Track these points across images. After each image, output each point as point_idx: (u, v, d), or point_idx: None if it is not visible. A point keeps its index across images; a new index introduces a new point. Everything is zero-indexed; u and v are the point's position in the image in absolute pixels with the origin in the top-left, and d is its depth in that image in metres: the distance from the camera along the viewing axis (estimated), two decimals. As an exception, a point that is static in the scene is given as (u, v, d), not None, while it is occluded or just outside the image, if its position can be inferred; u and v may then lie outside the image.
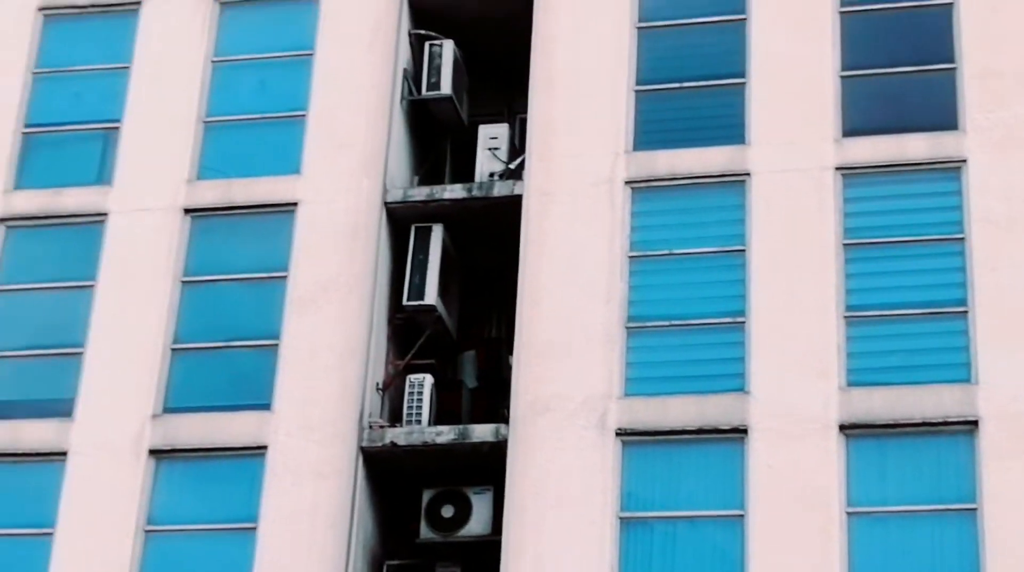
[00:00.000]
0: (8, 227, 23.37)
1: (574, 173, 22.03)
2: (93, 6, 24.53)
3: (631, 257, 21.53)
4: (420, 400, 21.69)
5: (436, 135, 24.17)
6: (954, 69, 21.78)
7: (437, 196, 22.71)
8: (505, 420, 21.13)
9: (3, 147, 23.74)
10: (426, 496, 21.44)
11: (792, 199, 21.32)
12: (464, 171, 23.64)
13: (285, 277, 22.34)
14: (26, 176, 23.67)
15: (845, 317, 20.72)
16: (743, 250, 21.30)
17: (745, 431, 20.37)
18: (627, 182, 21.90)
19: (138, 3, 24.33)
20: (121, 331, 22.29)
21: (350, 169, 22.77)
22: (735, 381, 20.68)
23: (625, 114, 22.26)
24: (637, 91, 22.45)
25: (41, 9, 24.59)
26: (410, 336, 22.63)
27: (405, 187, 23.06)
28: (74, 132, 23.91)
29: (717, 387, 20.67)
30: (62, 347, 22.52)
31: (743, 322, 20.91)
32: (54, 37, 24.50)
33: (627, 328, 21.16)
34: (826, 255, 20.98)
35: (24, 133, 23.93)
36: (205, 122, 23.57)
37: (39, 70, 24.33)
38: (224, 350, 22.22)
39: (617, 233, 21.59)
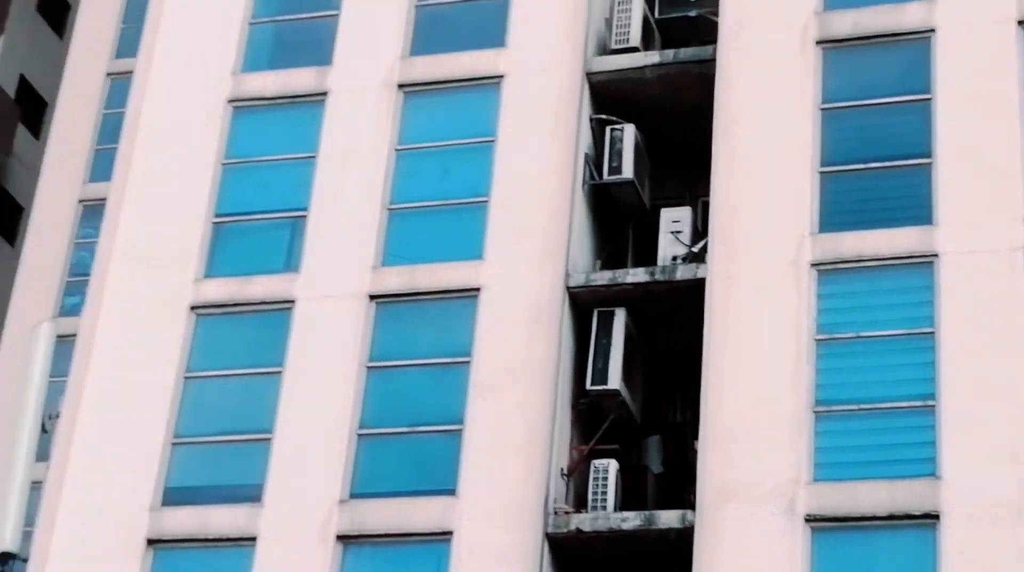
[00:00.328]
0: (199, 315, 23.78)
1: (758, 256, 21.87)
2: (281, 98, 24.99)
3: (818, 340, 21.27)
4: (605, 486, 21.57)
5: (618, 219, 24.18)
6: None
7: (620, 280, 22.68)
8: (691, 506, 20.92)
9: (194, 236, 24.20)
10: (612, 582, 21.32)
11: (982, 280, 20.94)
12: (646, 255, 23.60)
13: (468, 362, 22.42)
14: (216, 265, 24.09)
15: (1039, 400, 20.27)
16: (932, 332, 20.94)
17: (937, 517, 19.96)
18: (813, 264, 21.68)
19: (324, 94, 24.73)
20: (308, 417, 22.51)
21: (532, 254, 22.84)
22: (926, 466, 20.28)
23: (810, 196, 22.07)
24: (821, 173, 22.25)
25: (231, 101, 25.10)
26: (594, 421, 22.56)
27: (587, 271, 23.07)
28: (262, 221, 24.32)
29: (908, 472, 20.29)
30: (251, 433, 22.80)
31: (933, 405, 20.52)
32: (243, 128, 24.98)
33: (815, 412, 20.88)
34: (1017, 337, 20.54)
35: (214, 222, 24.38)
36: (389, 209, 23.82)
37: (229, 161, 24.81)
38: (409, 435, 22.33)
39: (803, 316, 21.36)
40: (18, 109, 36.87)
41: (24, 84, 37.63)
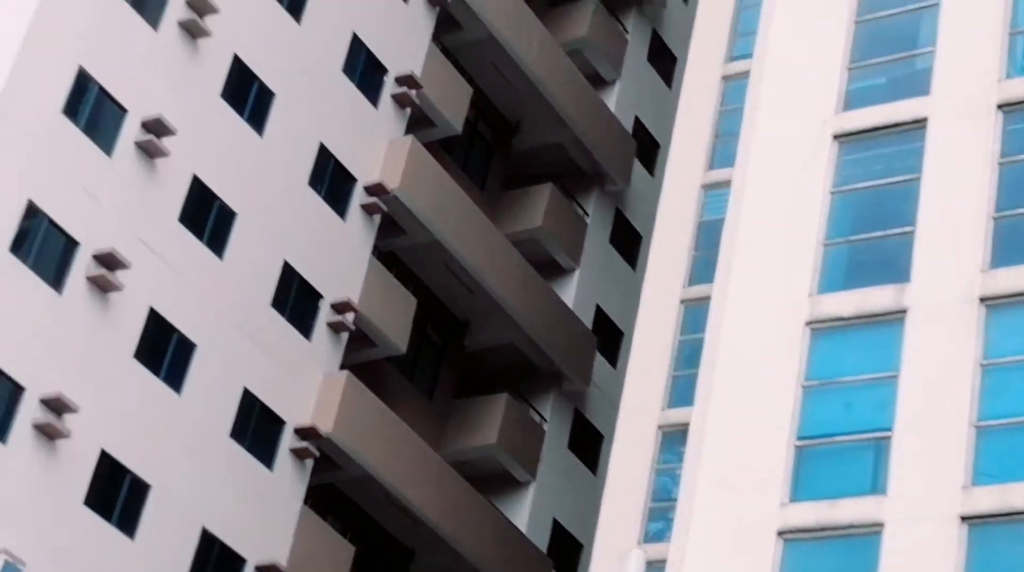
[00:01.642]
0: (786, 540, 23.52)
1: None
2: (858, 317, 24.77)
3: None
4: None
5: None
6: None
7: None
8: None
9: (778, 460, 24.06)
10: None
11: None
12: None
13: (1071, 585, 21.35)
14: (801, 488, 23.85)
15: None
16: None
17: None
18: None
19: (903, 311, 24.36)
20: (904, 644, 21.88)
21: None
22: None
23: None
24: None
25: (808, 323, 25.03)
26: None
27: None
28: (846, 443, 23.99)
29: None
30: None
31: None
32: (822, 349, 24.85)
33: None
34: None
35: (797, 445, 24.20)
36: (977, 426, 23.09)
37: (809, 382, 24.66)
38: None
39: None
40: (595, 339, 37.99)
41: (600, 315, 38.79)
